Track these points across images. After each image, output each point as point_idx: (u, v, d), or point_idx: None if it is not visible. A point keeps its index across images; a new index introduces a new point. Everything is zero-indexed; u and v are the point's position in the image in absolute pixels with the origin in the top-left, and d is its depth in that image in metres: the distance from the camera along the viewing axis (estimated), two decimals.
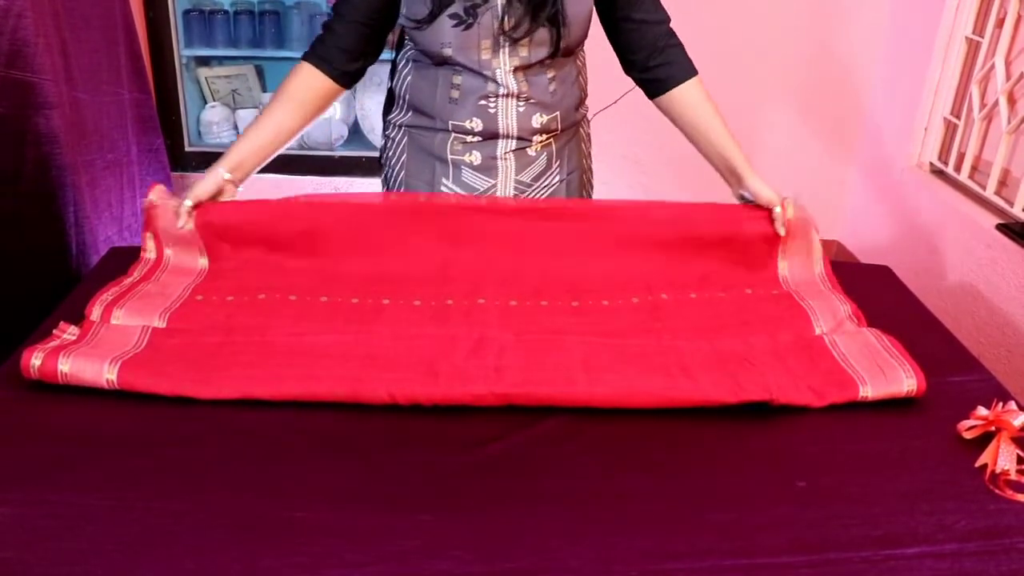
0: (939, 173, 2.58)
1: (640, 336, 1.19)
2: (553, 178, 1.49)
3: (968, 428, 1.02)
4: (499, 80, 1.36)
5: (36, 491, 0.89)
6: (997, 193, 2.26)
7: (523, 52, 1.35)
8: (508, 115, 1.40)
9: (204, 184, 1.32)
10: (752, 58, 2.91)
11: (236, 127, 3.22)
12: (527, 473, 0.95)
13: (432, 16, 1.30)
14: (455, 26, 1.31)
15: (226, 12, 3.07)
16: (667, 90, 1.41)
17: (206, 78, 3.22)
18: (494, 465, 0.96)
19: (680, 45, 1.41)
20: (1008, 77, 2.27)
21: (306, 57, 1.38)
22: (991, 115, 2.36)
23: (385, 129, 1.56)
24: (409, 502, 0.89)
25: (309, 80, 1.37)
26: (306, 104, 1.38)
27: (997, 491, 0.94)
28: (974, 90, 2.41)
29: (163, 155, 2.45)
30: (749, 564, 0.83)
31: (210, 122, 3.17)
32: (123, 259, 1.46)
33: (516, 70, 1.36)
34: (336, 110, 3.19)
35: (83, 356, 1.04)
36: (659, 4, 1.41)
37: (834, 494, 0.93)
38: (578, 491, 0.93)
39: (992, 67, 2.33)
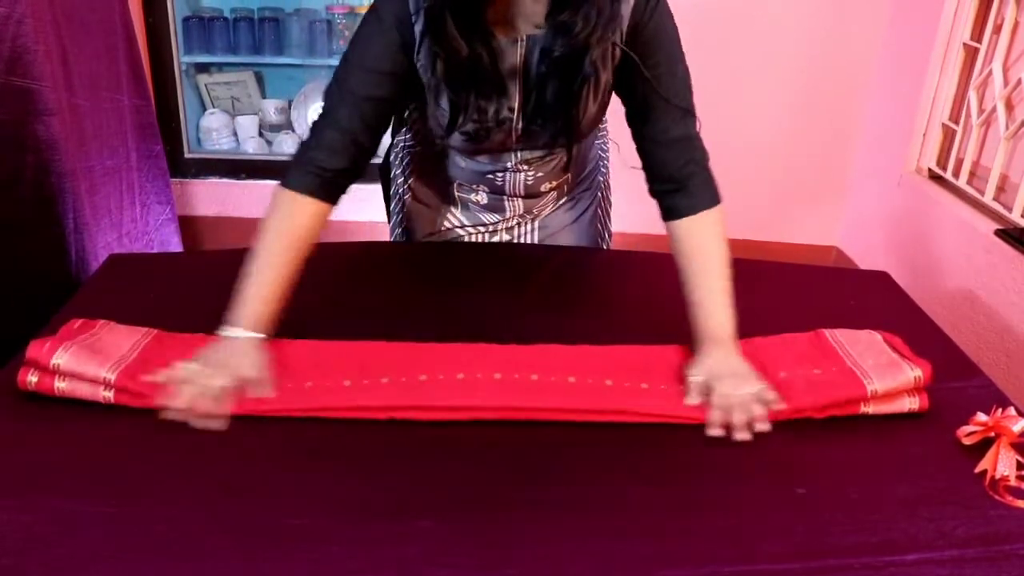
0: (937, 179, 2.59)
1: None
2: (560, 199, 1.49)
3: (967, 434, 1.02)
4: (508, 167, 1.33)
5: (34, 497, 0.88)
6: (995, 199, 2.27)
7: (537, 152, 1.31)
8: (516, 185, 1.37)
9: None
10: (751, 64, 2.91)
11: (235, 134, 3.23)
12: (527, 480, 0.95)
13: (445, 136, 1.22)
14: (464, 140, 1.23)
15: (225, 19, 3.08)
16: (673, 219, 1.19)
17: (206, 84, 3.23)
18: (494, 471, 0.96)
19: (704, 170, 1.19)
20: (1006, 83, 2.27)
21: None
22: (989, 121, 2.36)
23: (394, 146, 1.53)
24: (408, 509, 0.89)
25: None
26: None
27: (997, 497, 0.94)
28: (972, 96, 2.42)
29: (163, 161, 2.46)
30: (749, 570, 0.83)
31: (209, 128, 3.18)
32: (122, 266, 1.46)
33: (526, 159, 1.33)
34: None
35: (78, 379, 1.04)
36: (687, 114, 1.18)
37: (833, 500, 0.93)
38: (578, 498, 0.92)
39: (990, 73, 2.33)
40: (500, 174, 1.34)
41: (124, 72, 2.21)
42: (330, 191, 1.16)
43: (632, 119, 1.22)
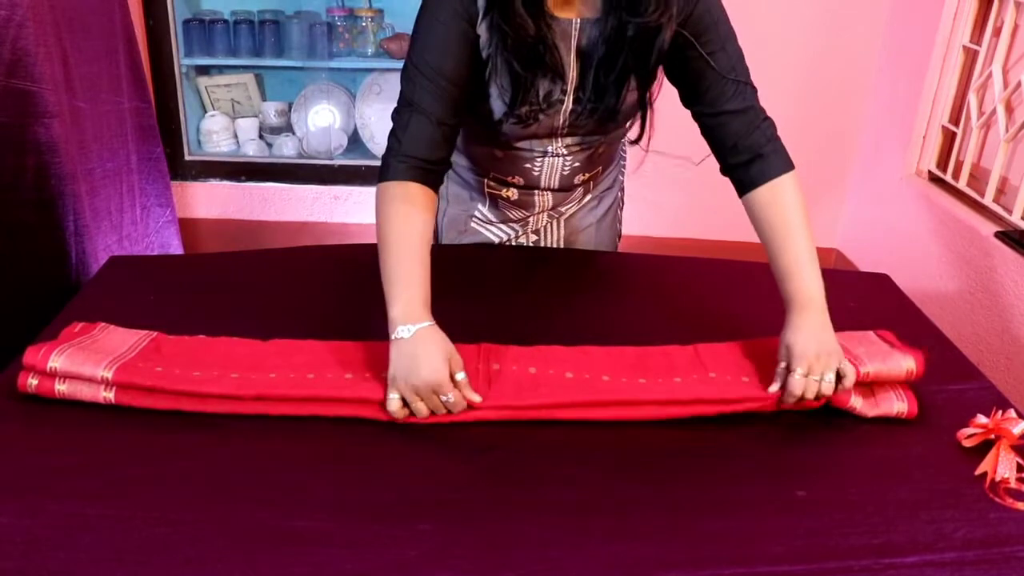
0: (938, 181, 2.59)
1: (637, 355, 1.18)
2: (585, 197, 1.50)
3: (968, 436, 1.02)
4: (548, 152, 1.34)
5: (35, 501, 0.89)
6: (995, 201, 2.27)
7: (578, 137, 1.32)
8: (551, 175, 1.38)
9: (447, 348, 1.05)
10: (751, 67, 2.91)
11: (235, 136, 3.23)
12: (527, 482, 0.95)
13: (506, 117, 1.22)
14: (514, 123, 1.24)
15: (226, 21, 3.08)
16: (748, 191, 1.19)
17: (206, 87, 3.23)
18: (494, 474, 0.96)
19: (771, 139, 1.21)
20: (1006, 85, 2.27)
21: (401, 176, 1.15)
22: (989, 123, 2.36)
23: None
24: (409, 511, 0.89)
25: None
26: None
27: (997, 499, 0.94)
28: (972, 98, 2.42)
29: (163, 164, 2.45)
30: (749, 573, 0.83)
31: (210, 131, 3.18)
32: (122, 268, 1.46)
33: (567, 145, 1.34)
34: (336, 119, 3.20)
35: (77, 381, 1.04)
36: (745, 86, 1.22)
37: (833, 503, 0.93)
38: (578, 500, 0.92)
39: (990, 75, 2.34)
40: (539, 160, 1.35)
41: (124, 75, 2.20)
42: (431, 178, 1.16)
43: (689, 100, 1.23)
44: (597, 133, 1.32)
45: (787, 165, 1.19)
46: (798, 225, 1.15)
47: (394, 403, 1.03)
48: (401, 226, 1.12)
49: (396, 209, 1.13)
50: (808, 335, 1.07)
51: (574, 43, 1.18)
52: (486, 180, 1.43)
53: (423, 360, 1.02)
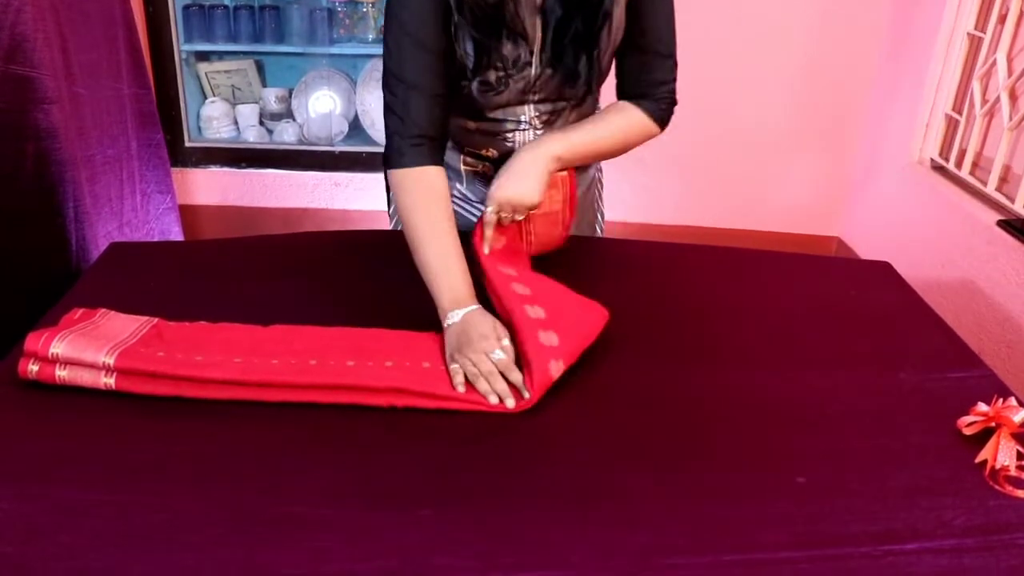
0: (940, 169, 2.58)
1: None
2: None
3: (968, 424, 1.02)
4: (520, 121, 1.34)
5: (36, 486, 0.89)
6: (998, 189, 2.26)
7: (549, 105, 1.33)
8: None
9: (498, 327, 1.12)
10: (753, 54, 2.90)
11: (236, 122, 3.22)
12: (527, 467, 0.95)
13: (469, 81, 1.24)
14: (483, 91, 1.25)
15: (226, 7, 3.07)
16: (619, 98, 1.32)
17: (206, 73, 3.22)
18: (494, 459, 0.96)
19: (670, 94, 1.31)
20: (1010, 73, 2.26)
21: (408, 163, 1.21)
22: (992, 111, 2.35)
23: None
24: (409, 497, 0.89)
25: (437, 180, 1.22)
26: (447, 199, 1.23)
27: (997, 487, 0.94)
28: (975, 86, 2.41)
29: (163, 150, 2.45)
30: (748, 559, 0.83)
31: (210, 117, 3.17)
32: (123, 254, 1.46)
33: (539, 115, 1.34)
34: (336, 105, 3.19)
35: (78, 366, 1.04)
36: (670, 38, 1.29)
37: (833, 490, 0.93)
38: (578, 486, 0.93)
39: (994, 63, 2.32)
40: (510, 134, 1.35)
41: (124, 60, 2.20)
42: (438, 153, 1.22)
43: (627, 42, 1.29)
44: (567, 98, 1.32)
45: (660, 119, 1.31)
46: (610, 124, 1.29)
47: (458, 375, 1.07)
48: (430, 217, 1.18)
49: (420, 199, 1.19)
50: (510, 163, 1.21)
51: (539, 2, 1.18)
52: (462, 156, 1.43)
53: (472, 330, 1.09)
